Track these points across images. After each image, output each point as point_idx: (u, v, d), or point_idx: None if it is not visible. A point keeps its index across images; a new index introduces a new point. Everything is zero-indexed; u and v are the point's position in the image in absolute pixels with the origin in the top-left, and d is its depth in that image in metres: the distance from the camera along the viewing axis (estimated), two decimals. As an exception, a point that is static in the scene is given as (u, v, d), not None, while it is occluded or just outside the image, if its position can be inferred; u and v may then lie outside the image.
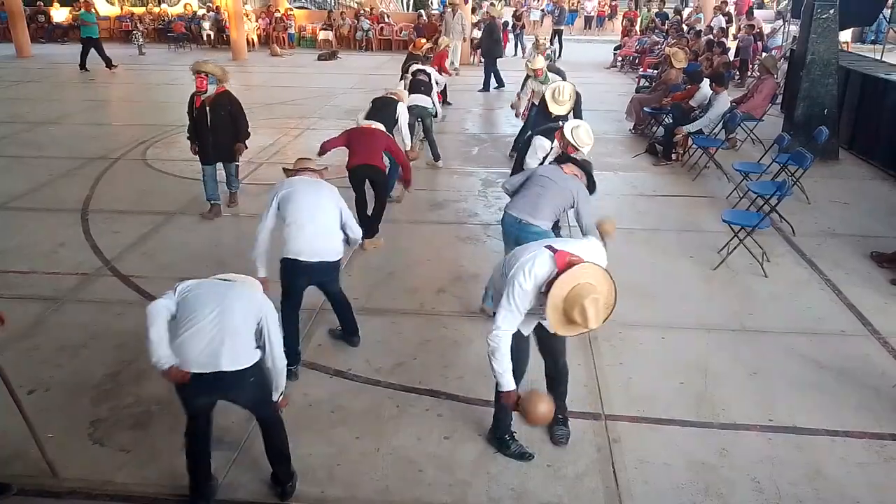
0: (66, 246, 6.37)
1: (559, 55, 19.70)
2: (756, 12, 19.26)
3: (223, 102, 6.81)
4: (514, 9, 23.44)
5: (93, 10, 17.83)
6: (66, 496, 3.45)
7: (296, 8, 24.20)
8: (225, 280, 3.36)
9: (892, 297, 5.51)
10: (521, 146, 5.77)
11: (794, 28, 15.47)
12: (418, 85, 8.94)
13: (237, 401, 3.36)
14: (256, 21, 22.36)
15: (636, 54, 17.97)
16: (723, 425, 4.00)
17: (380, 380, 4.41)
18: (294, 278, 4.37)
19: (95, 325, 5.00)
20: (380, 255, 6.27)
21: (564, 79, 8.67)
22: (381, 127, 6.52)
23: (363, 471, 3.63)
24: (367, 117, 6.87)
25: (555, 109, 6.19)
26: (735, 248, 6.06)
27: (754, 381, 4.41)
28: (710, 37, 15.34)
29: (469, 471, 3.64)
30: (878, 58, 11.99)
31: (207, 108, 6.69)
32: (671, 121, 9.42)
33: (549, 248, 3.18)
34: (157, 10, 23.94)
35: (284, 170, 4.72)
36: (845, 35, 14.67)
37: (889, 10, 16.85)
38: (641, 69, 15.55)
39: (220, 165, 7.12)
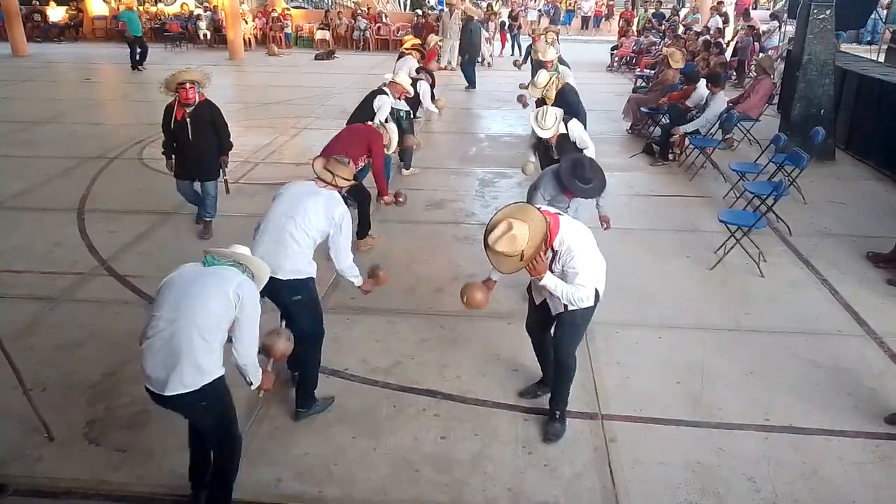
0: (62, 245, 6.36)
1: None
2: (752, 13, 19.27)
3: (204, 112, 6.26)
4: (510, 9, 23.41)
5: (135, 7, 17.79)
6: (63, 496, 3.44)
7: (293, 7, 24.20)
8: (210, 259, 3.10)
9: (887, 297, 5.53)
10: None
11: (790, 28, 15.49)
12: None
13: (190, 420, 3.22)
14: (253, 20, 22.33)
15: (633, 55, 17.99)
16: (719, 425, 4.00)
17: (377, 379, 4.41)
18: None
19: (91, 324, 4.99)
20: (376, 254, 6.26)
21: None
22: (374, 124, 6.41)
23: (360, 470, 3.63)
24: (352, 114, 6.83)
25: (540, 133, 5.94)
26: (732, 248, 6.06)
27: (751, 380, 4.42)
28: (707, 37, 15.36)
29: (466, 470, 3.64)
30: (875, 58, 12.02)
31: (188, 120, 6.17)
32: (668, 121, 9.44)
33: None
34: (153, 9, 23.87)
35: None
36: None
37: (885, 11, 16.93)
38: (638, 69, 15.57)
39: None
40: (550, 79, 7.16)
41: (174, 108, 6.19)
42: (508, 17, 21.81)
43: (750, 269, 5.94)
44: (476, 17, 17.24)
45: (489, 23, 21.51)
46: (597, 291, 3.63)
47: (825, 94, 9.14)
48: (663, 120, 9.74)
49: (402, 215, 7.23)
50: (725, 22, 18.73)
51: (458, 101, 13.48)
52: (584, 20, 29.10)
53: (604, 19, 29.02)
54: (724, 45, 14.97)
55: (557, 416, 3.90)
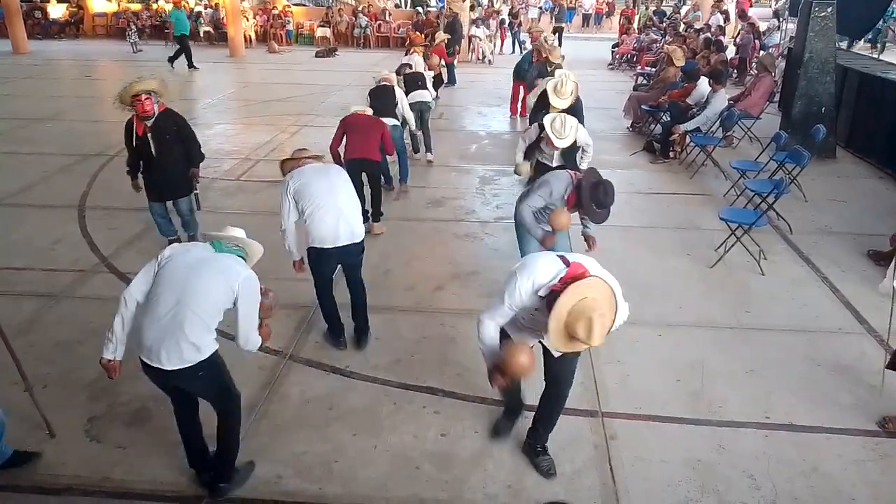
0: (63, 242, 6.36)
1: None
2: (753, 10, 19.28)
3: (167, 124, 5.62)
4: (511, 6, 23.39)
5: (183, 6, 17.81)
6: (64, 493, 3.45)
7: (294, 5, 24.18)
8: (217, 244, 3.25)
9: (888, 295, 5.51)
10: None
11: (791, 26, 15.47)
12: (415, 80, 8.94)
13: (189, 391, 3.34)
14: (254, 18, 22.32)
15: (634, 52, 17.98)
16: (720, 422, 4.01)
17: (377, 377, 4.41)
18: (323, 267, 4.51)
19: (92, 322, 4.99)
20: (377, 252, 6.27)
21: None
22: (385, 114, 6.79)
23: (360, 467, 3.63)
24: (373, 108, 6.93)
25: (556, 102, 5.98)
26: (732, 245, 6.06)
27: (751, 378, 4.42)
28: (708, 35, 15.34)
29: (466, 468, 3.65)
30: (876, 56, 12.00)
31: (150, 135, 5.56)
32: (669, 119, 9.43)
33: (562, 258, 3.08)
34: (154, 6, 23.87)
35: (283, 161, 4.65)
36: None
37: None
38: (639, 67, 15.56)
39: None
40: (575, 87, 6.67)
41: (133, 124, 5.61)
42: (509, 15, 21.78)
43: (750, 267, 5.94)
44: (461, 14, 17.17)
45: (490, 20, 21.52)
46: None
47: (826, 92, 9.14)
48: (664, 118, 9.73)
49: (403, 213, 7.23)
50: (726, 20, 18.71)
51: (457, 98, 13.48)
52: (585, 17, 29.12)
53: (605, 17, 29.03)
54: (725, 43, 14.93)
55: (542, 449, 3.70)
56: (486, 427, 3.95)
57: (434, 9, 23.18)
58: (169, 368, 3.06)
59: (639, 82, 13.77)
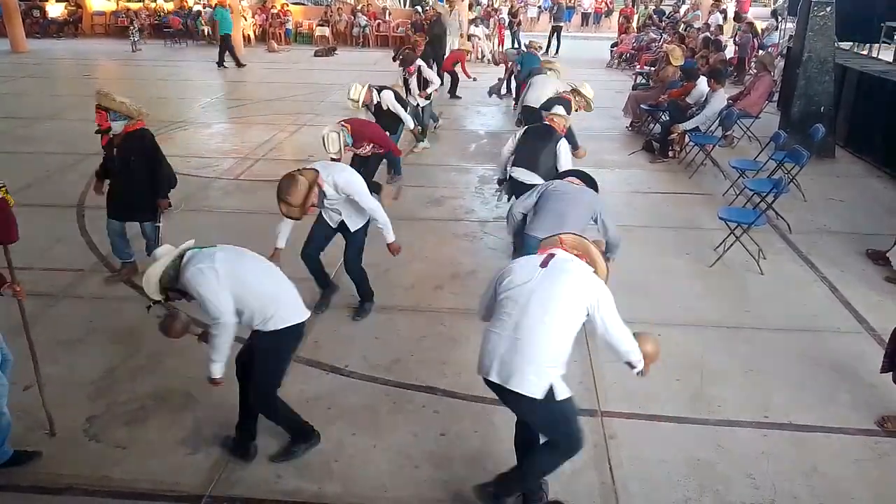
0: (63, 242, 6.36)
1: (557, 52, 19.73)
2: (750, 10, 19.30)
3: (133, 146, 5.30)
4: (510, 5, 23.34)
5: (227, 5, 17.81)
6: (64, 492, 3.45)
7: (292, 4, 24.10)
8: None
9: (886, 294, 5.54)
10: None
11: (791, 26, 15.48)
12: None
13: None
14: (253, 17, 22.29)
15: (633, 51, 17.96)
16: (719, 422, 4.01)
17: (376, 376, 4.42)
18: (320, 226, 4.92)
19: (92, 321, 5.00)
20: (376, 251, 6.26)
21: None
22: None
23: (360, 467, 3.64)
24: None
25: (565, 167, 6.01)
26: (731, 245, 6.07)
27: (750, 377, 4.43)
28: (707, 34, 15.35)
29: (465, 467, 3.65)
30: (875, 55, 12.02)
31: (115, 149, 5.34)
32: (668, 118, 9.43)
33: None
34: (153, 5, 23.84)
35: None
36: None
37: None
38: (638, 66, 15.54)
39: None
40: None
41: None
42: (508, 14, 21.75)
43: (749, 267, 5.94)
44: (456, 14, 17.04)
45: (489, 20, 21.50)
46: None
47: (825, 92, 9.15)
48: (663, 117, 9.73)
49: (402, 212, 7.22)
50: (725, 19, 18.71)
51: (456, 98, 13.47)
52: (585, 17, 29.07)
53: (604, 16, 28.99)
54: (724, 43, 14.93)
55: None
56: (485, 427, 3.95)
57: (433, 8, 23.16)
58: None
59: (638, 81, 13.75)
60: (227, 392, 4.14)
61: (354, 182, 4.60)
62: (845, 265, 6.03)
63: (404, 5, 27.28)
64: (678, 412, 4.09)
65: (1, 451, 3.55)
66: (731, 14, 19.27)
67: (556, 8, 21.67)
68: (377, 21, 22.40)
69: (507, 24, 21.34)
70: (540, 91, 8.18)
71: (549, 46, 19.91)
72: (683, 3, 25.43)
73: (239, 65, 17.15)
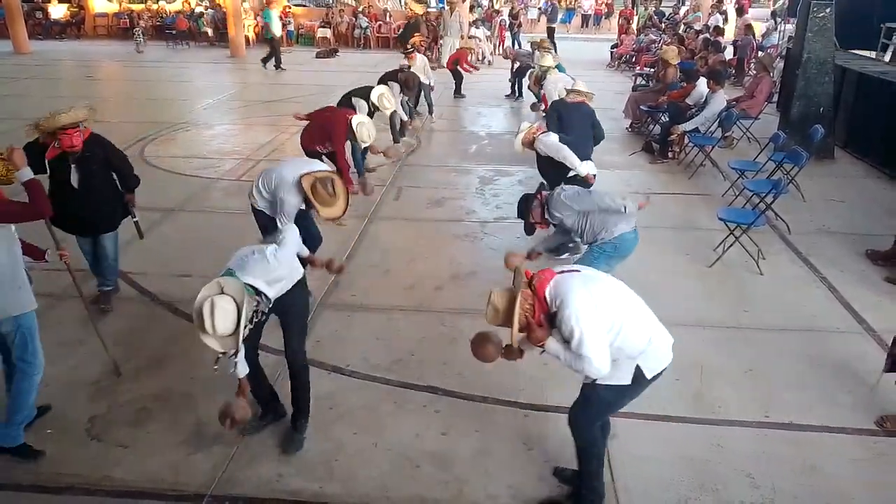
0: (64, 242, 6.31)
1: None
2: (750, 11, 19.29)
3: (94, 153, 4.84)
4: (511, 7, 23.39)
5: (274, 7, 17.87)
6: (65, 491, 3.46)
7: (294, 5, 24.17)
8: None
9: (886, 295, 5.54)
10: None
11: (790, 27, 15.49)
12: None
13: None
14: (255, 18, 22.33)
15: (633, 53, 17.99)
16: (718, 422, 4.02)
17: (377, 376, 4.43)
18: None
19: (93, 321, 5.00)
20: (378, 251, 6.29)
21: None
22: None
23: (361, 467, 3.65)
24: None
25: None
26: (731, 245, 6.08)
27: (750, 377, 4.44)
28: (707, 35, 15.37)
29: (466, 467, 3.66)
30: (874, 57, 12.02)
31: (74, 166, 4.74)
32: (667, 119, 9.44)
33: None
34: (155, 6, 23.89)
35: None
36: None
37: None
38: (638, 67, 15.57)
39: None
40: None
41: (46, 146, 4.71)
42: (509, 15, 21.79)
43: (749, 267, 5.96)
44: (420, 14, 16.94)
45: (491, 21, 21.54)
46: (639, 370, 3.00)
47: (824, 93, 9.16)
48: (663, 118, 9.75)
49: (403, 213, 7.25)
50: (725, 20, 18.73)
51: (458, 99, 13.49)
52: (585, 18, 29.11)
53: (604, 17, 29.03)
54: (723, 44, 14.95)
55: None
56: (486, 426, 3.96)
57: (434, 9, 23.19)
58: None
59: (638, 83, 13.78)
60: (228, 392, 4.15)
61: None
62: (844, 265, 6.04)
63: (404, 7, 27.32)
64: (678, 412, 4.10)
65: (15, 434, 3.65)
66: (731, 14, 19.26)
67: (549, 9, 21.71)
68: (378, 23, 22.45)
69: (507, 26, 21.37)
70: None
71: None
72: (683, 4, 25.48)
73: (267, 63, 17.13)
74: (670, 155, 9.25)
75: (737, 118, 9.22)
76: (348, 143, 6.50)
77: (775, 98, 11.25)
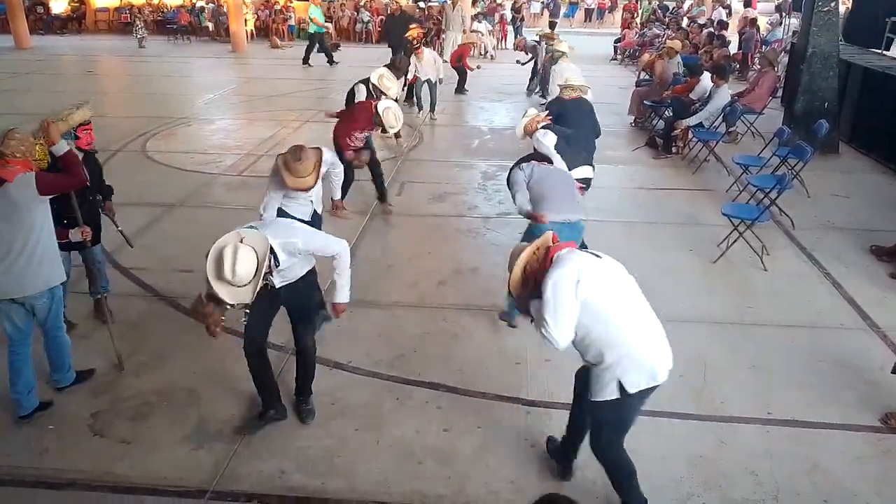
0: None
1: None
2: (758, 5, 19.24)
3: (91, 159, 4.72)
4: (513, 1, 23.31)
5: (319, 3, 17.83)
6: (67, 487, 3.46)
7: (295, 0, 24.11)
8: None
9: (891, 291, 5.52)
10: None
11: (795, 21, 15.42)
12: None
13: None
14: (254, 14, 22.29)
15: (637, 47, 17.93)
16: (722, 418, 4.01)
17: (379, 372, 4.42)
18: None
19: (96, 317, 5.00)
20: (379, 247, 6.28)
21: None
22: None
23: (363, 463, 3.64)
24: None
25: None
26: (735, 241, 6.06)
27: (753, 374, 4.42)
28: (711, 30, 15.31)
29: (468, 463, 3.65)
30: (879, 51, 11.95)
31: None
32: (671, 114, 9.41)
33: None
34: (156, 1, 23.86)
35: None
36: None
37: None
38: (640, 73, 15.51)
39: None
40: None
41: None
42: (511, 10, 21.73)
43: (753, 263, 5.93)
44: (406, 9, 16.61)
45: (493, 15, 21.48)
46: (621, 385, 2.91)
47: (829, 87, 9.11)
48: (667, 113, 9.71)
49: (405, 208, 7.23)
50: (729, 14, 18.67)
51: (460, 94, 13.46)
52: (588, 12, 29.03)
53: (607, 12, 28.94)
54: (728, 38, 14.90)
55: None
56: (487, 422, 3.95)
57: (436, 3, 23.13)
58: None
59: (641, 77, 13.73)
60: (230, 388, 4.17)
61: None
62: (849, 261, 6.02)
63: (408, 1, 27.23)
64: (681, 408, 4.08)
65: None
66: (736, 7, 19.20)
67: (551, 3, 21.66)
68: (380, 17, 22.38)
69: (510, 20, 21.32)
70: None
71: None
72: (687, -2, 25.37)
73: (330, 63, 17.08)
74: (674, 150, 9.22)
75: (741, 113, 9.18)
76: None
77: (780, 93, 11.20)
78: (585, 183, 5.72)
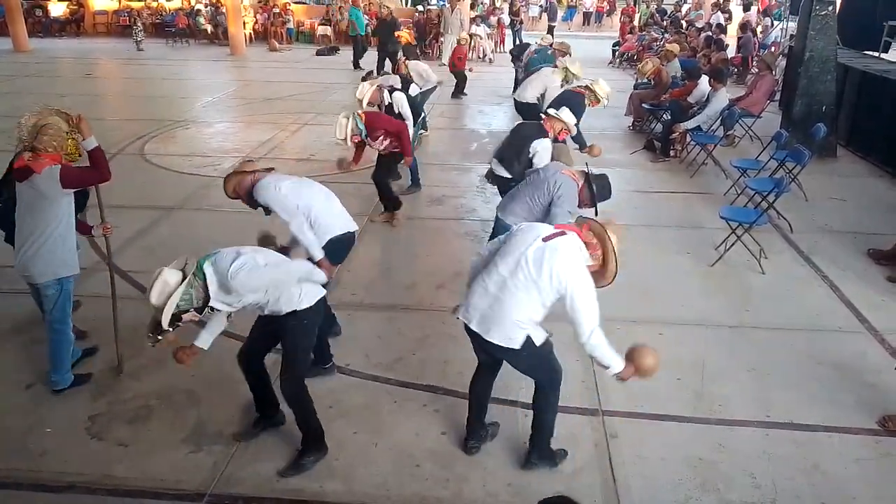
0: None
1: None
2: (753, 9, 19.27)
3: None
4: (511, 4, 23.34)
5: (360, 5, 17.87)
6: (65, 490, 3.45)
7: (294, 3, 24.13)
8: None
9: (888, 294, 5.53)
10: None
11: (792, 25, 15.45)
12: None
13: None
14: (254, 16, 22.30)
15: (635, 51, 17.97)
16: (720, 421, 4.01)
17: (378, 375, 4.42)
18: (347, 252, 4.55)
19: (94, 319, 4.99)
20: (379, 250, 6.28)
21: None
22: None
23: (361, 465, 3.64)
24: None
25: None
26: (733, 244, 6.06)
27: (752, 377, 4.43)
28: (710, 33, 15.34)
29: (466, 466, 3.65)
30: (877, 55, 11.99)
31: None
32: (669, 117, 9.43)
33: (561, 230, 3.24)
34: (154, 4, 23.87)
35: (239, 173, 4.30)
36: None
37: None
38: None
39: None
40: None
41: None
42: (509, 13, 21.76)
43: (751, 266, 5.94)
44: (392, 12, 16.35)
45: (491, 18, 21.50)
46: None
47: (827, 91, 9.14)
48: (665, 116, 9.73)
49: (404, 211, 7.22)
50: (728, 18, 18.71)
51: (458, 97, 13.48)
52: (586, 16, 29.09)
53: (605, 15, 29.00)
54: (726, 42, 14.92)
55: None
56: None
57: (435, 7, 23.16)
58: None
59: (639, 81, 13.75)
60: (229, 391, 4.16)
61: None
62: (847, 265, 6.03)
63: (406, 4, 27.28)
64: (679, 411, 4.09)
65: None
66: (736, 10, 19.25)
67: (548, 7, 21.72)
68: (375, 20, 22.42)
69: (508, 23, 21.35)
70: (532, 87, 8.58)
71: None
72: (685, 2, 25.45)
73: (356, 67, 16.94)
74: (672, 153, 9.24)
75: (739, 116, 9.20)
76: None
77: (777, 96, 11.23)
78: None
